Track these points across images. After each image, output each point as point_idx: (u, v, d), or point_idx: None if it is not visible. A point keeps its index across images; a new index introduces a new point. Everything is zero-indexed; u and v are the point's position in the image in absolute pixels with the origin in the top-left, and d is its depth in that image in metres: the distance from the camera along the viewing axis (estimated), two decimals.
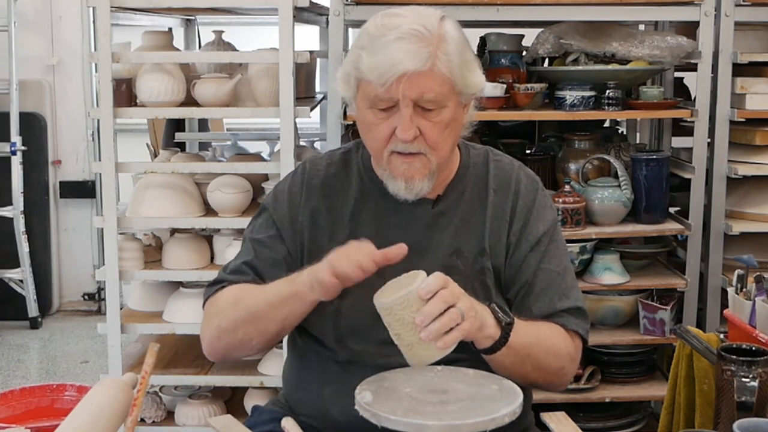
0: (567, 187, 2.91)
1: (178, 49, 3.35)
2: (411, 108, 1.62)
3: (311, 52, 3.23)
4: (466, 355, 1.66)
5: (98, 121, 3.23)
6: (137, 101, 3.01)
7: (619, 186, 2.94)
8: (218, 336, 1.73)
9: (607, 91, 2.89)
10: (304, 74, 3.34)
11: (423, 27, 1.61)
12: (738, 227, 2.96)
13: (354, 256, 1.54)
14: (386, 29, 1.62)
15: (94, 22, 4.71)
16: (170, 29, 3.47)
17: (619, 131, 3.69)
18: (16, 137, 4.67)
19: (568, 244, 2.85)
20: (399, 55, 1.59)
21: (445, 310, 1.47)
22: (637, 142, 3.53)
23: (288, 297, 1.64)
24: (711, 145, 2.97)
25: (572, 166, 3.09)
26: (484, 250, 1.73)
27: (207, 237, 3.10)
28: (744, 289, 2.05)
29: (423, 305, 1.46)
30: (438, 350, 1.48)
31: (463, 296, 1.51)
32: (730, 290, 2.09)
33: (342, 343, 1.72)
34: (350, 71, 1.67)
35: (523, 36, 3.14)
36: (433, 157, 1.66)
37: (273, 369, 2.94)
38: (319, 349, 1.76)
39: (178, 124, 4.01)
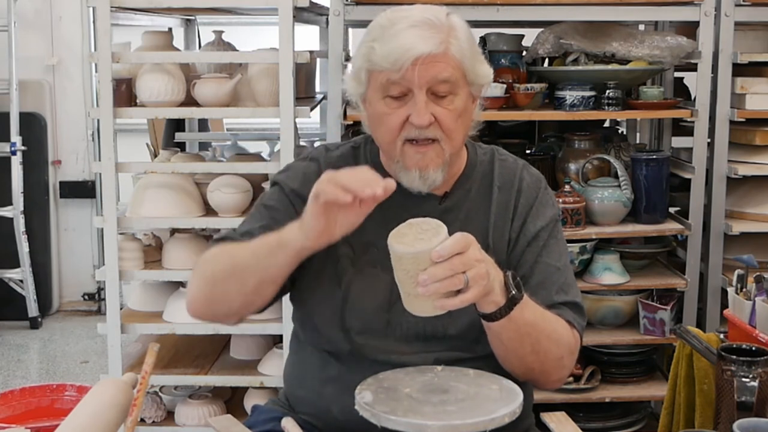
0: (567, 187, 2.91)
1: (178, 49, 3.35)
2: (425, 94, 1.63)
3: (311, 52, 3.23)
4: (466, 354, 1.67)
5: (98, 121, 3.23)
6: (137, 101, 3.01)
7: (619, 186, 2.94)
8: (198, 287, 1.70)
9: (607, 91, 2.89)
10: (304, 74, 3.34)
11: (433, 16, 1.64)
12: (738, 227, 2.96)
13: (339, 179, 1.50)
14: (397, 20, 1.65)
15: (94, 22, 4.71)
16: (170, 29, 3.47)
17: (619, 131, 3.69)
18: (16, 137, 4.67)
19: (568, 244, 2.88)
20: (413, 39, 1.61)
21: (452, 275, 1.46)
22: (637, 142, 3.53)
23: (274, 245, 1.59)
24: (711, 145, 2.97)
25: (572, 166, 3.09)
26: (488, 246, 1.73)
27: (207, 237, 3.10)
28: (744, 289, 2.05)
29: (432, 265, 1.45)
30: (433, 308, 1.48)
31: (478, 263, 1.49)
32: (730, 290, 2.09)
33: (347, 333, 1.72)
34: (362, 65, 1.68)
35: (523, 36, 3.14)
36: (446, 145, 1.67)
37: (273, 369, 2.95)
38: (321, 344, 1.75)
39: (178, 124, 4.01)
